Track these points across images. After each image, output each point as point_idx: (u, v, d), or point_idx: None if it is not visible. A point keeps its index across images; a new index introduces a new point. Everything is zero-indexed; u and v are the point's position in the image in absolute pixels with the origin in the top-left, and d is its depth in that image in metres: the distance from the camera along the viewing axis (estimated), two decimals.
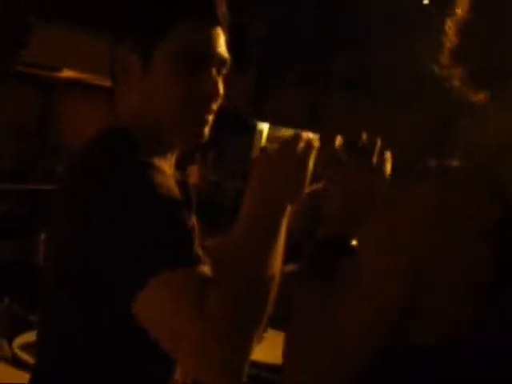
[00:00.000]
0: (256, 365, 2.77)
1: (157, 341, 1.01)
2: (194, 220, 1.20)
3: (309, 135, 1.13)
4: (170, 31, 1.16)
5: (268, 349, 2.87)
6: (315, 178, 1.13)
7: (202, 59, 1.18)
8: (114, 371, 1.16)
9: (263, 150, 1.12)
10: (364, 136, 1.21)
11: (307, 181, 1.11)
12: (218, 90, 1.20)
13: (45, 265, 1.22)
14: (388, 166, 1.20)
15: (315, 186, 1.19)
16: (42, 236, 4.42)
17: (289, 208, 1.08)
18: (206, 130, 1.22)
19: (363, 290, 1.01)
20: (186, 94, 1.17)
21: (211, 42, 1.19)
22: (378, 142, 1.21)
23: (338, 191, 1.20)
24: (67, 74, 7.80)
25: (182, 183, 1.26)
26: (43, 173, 7.57)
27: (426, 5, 6.72)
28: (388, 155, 1.22)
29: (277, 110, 7.78)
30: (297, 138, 1.10)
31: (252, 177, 1.09)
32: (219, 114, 1.25)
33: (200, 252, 1.04)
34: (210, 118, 1.22)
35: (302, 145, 1.10)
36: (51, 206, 1.22)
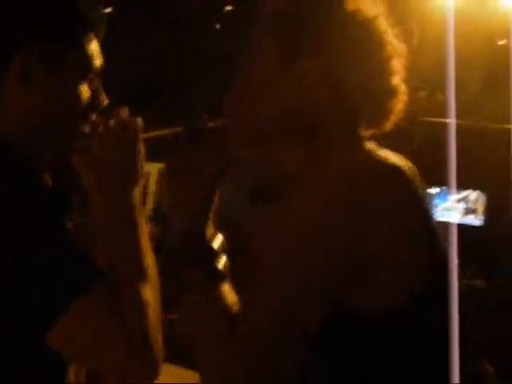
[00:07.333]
0: None
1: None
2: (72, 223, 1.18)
3: (132, 120, 1.14)
4: (79, 42, 1.14)
5: None
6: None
7: (93, 70, 1.16)
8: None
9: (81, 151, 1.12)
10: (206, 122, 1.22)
11: (140, 163, 1.11)
12: (102, 101, 1.18)
13: None
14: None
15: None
16: None
17: (134, 195, 1.10)
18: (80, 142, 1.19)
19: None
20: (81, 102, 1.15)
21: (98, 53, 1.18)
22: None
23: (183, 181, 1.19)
24: None
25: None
26: None
27: None
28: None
29: None
30: (117, 123, 1.12)
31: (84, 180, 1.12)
32: None
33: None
34: (87, 129, 1.18)
35: (124, 130, 1.11)
36: None
